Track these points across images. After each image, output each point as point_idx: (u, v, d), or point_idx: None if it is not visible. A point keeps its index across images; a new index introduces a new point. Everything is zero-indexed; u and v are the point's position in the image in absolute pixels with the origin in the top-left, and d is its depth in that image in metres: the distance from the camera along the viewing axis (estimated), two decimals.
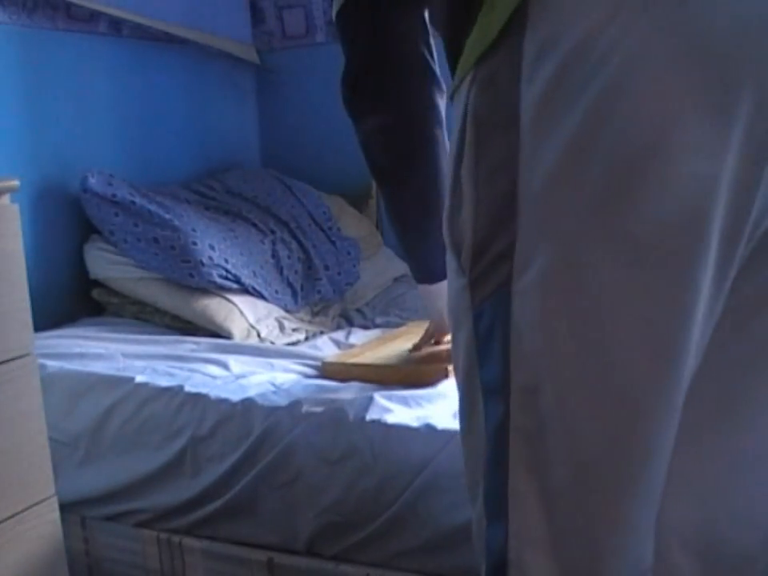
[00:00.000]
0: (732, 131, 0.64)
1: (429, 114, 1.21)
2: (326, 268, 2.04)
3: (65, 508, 1.36)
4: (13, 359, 1.16)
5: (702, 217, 0.64)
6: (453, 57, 0.78)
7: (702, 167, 0.64)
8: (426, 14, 0.90)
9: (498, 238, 0.70)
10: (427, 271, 1.37)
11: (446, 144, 1.23)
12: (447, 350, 1.41)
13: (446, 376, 1.38)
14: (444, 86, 1.20)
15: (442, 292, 1.33)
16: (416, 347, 1.51)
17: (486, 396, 0.74)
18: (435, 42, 1.19)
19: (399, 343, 1.56)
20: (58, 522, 1.24)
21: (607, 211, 0.65)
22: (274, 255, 1.97)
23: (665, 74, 0.63)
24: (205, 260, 1.75)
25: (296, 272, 1.99)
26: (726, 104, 0.63)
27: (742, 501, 0.78)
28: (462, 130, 0.73)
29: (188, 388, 1.39)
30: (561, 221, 0.67)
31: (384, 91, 1.17)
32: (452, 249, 0.76)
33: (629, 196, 0.65)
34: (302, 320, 1.90)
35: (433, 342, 1.51)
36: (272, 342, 1.75)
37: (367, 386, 1.40)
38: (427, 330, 1.51)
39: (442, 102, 1.22)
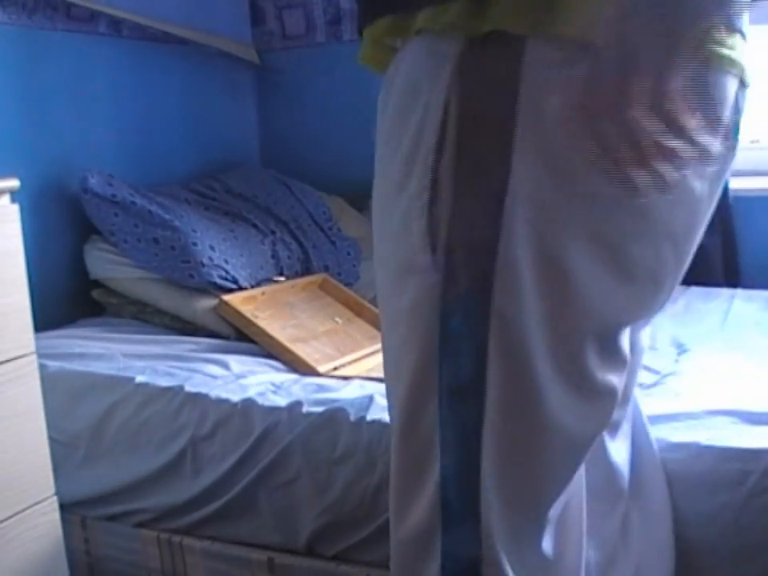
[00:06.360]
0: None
1: None
2: (326, 268, 2.04)
3: (65, 508, 1.36)
4: (13, 359, 1.16)
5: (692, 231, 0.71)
6: None
7: (693, 184, 0.68)
8: None
9: (480, 234, 0.69)
10: None
11: None
12: None
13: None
14: None
15: None
16: None
17: (446, 397, 0.72)
18: None
19: None
20: (58, 521, 1.24)
21: (592, 215, 0.68)
22: (274, 256, 1.96)
23: None
24: (205, 260, 1.75)
25: (296, 272, 1.99)
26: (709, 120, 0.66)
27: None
28: (443, 122, 0.69)
29: (188, 388, 1.39)
30: (550, 221, 0.68)
31: None
32: (425, 243, 0.72)
33: (614, 203, 0.67)
34: None
35: None
36: None
37: (367, 385, 1.41)
38: None
39: None
